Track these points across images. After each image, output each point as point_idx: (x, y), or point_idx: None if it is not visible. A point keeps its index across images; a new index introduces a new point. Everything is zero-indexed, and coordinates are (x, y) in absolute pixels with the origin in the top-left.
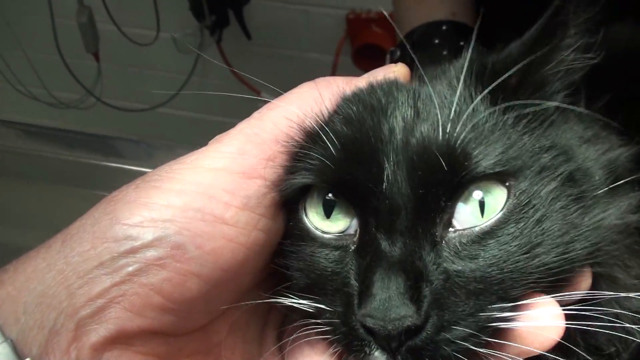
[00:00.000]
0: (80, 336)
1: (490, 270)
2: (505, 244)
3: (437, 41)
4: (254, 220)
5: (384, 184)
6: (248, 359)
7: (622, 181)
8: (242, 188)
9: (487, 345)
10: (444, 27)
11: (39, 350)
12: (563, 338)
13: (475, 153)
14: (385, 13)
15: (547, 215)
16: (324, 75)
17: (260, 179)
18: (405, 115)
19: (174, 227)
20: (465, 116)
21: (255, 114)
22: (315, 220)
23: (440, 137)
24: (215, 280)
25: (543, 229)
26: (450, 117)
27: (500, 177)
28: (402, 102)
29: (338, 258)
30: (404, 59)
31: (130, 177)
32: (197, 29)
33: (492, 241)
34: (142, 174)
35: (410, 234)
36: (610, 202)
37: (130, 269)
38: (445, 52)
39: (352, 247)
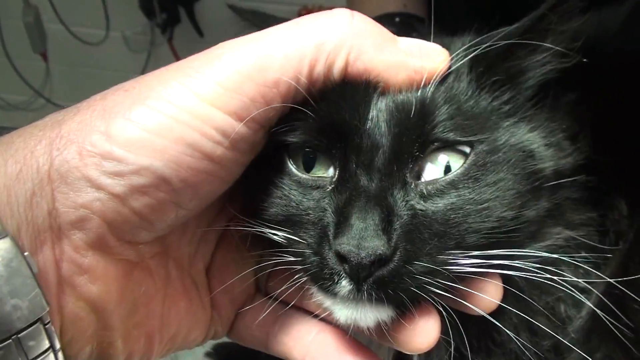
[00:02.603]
0: (64, 238)
1: (449, 214)
2: (462, 195)
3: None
4: (237, 159)
5: (368, 123)
6: (188, 260)
7: (564, 180)
8: (234, 129)
9: (440, 287)
10: (397, 19)
11: (30, 246)
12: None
13: (442, 109)
14: None
15: (503, 178)
16: None
17: (252, 122)
18: None
19: (164, 159)
20: (445, 77)
21: (266, 37)
22: (297, 167)
23: (420, 92)
24: (192, 207)
25: (498, 187)
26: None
27: (465, 140)
28: None
29: (315, 196)
30: None
31: None
32: (147, 27)
33: (452, 191)
34: None
35: (386, 172)
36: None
37: (115, 189)
38: None
39: (330, 187)
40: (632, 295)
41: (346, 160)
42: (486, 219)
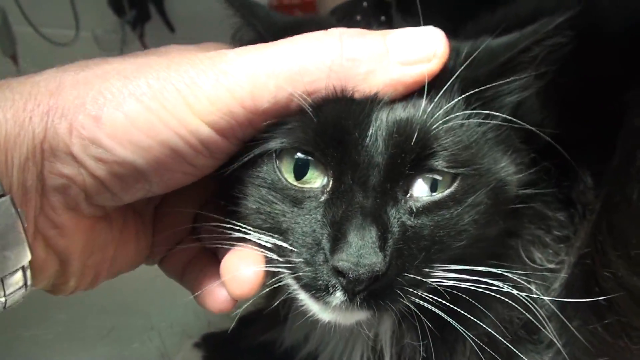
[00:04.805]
0: (45, 199)
1: (435, 231)
2: (445, 215)
3: (358, 18)
4: (214, 164)
5: (367, 139)
6: (144, 204)
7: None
8: (217, 145)
9: (421, 297)
10: (365, 4)
11: (18, 203)
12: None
13: (442, 141)
14: None
15: (481, 202)
16: None
17: (235, 139)
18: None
19: (147, 157)
20: (444, 107)
21: (262, 63)
22: (287, 176)
23: (420, 116)
24: (161, 191)
25: (477, 211)
26: (432, 103)
27: (457, 172)
28: None
29: (307, 206)
30: None
31: None
32: (117, 25)
33: (438, 210)
34: None
35: (381, 190)
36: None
37: (96, 172)
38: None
39: (323, 197)
40: (601, 263)
41: (341, 173)
42: (463, 238)
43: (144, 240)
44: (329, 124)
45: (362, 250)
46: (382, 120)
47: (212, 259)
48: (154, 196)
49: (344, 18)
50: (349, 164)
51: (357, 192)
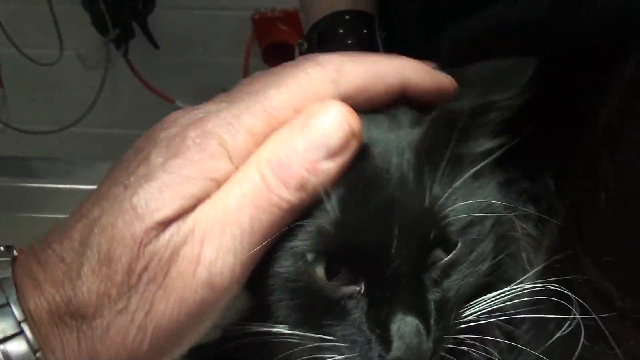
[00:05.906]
0: None
1: (458, 290)
2: (463, 269)
3: (341, 31)
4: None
5: (392, 250)
6: None
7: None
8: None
9: (458, 342)
10: (347, 17)
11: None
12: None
13: (452, 226)
14: None
15: (486, 237)
16: (236, 79)
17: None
18: (401, 179)
19: None
20: (447, 186)
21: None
22: (320, 277)
23: (434, 215)
24: None
25: (483, 251)
26: (434, 186)
27: (466, 237)
28: (390, 160)
29: (347, 305)
30: (311, 50)
31: (51, 195)
32: (101, 44)
33: (456, 268)
34: (62, 191)
35: (413, 289)
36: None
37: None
38: (350, 41)
39: (359, 297)
40: (574, 270)
41: (372, 283)
42: (479, 278)
43: None
44: (350, 247)
45: (413, 348)
46: (401, 233)
47: None
48: None
49: (327, 31)
50: (378, 277)
51: (392, 297)
